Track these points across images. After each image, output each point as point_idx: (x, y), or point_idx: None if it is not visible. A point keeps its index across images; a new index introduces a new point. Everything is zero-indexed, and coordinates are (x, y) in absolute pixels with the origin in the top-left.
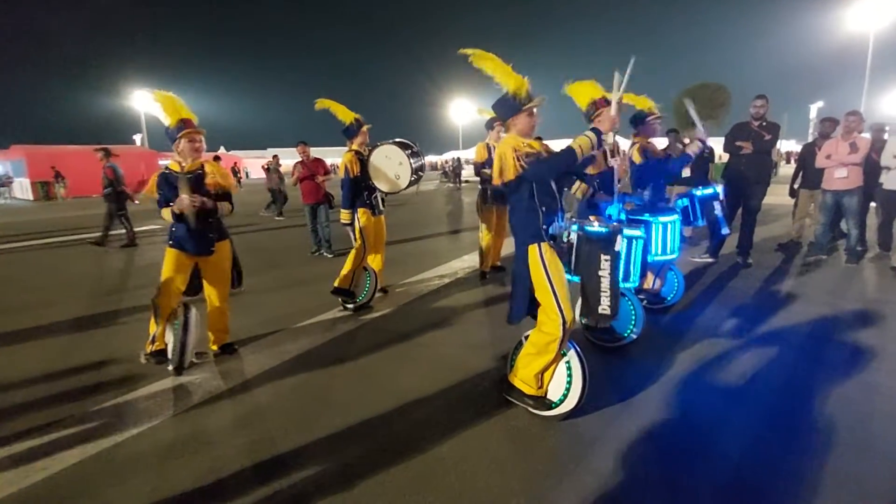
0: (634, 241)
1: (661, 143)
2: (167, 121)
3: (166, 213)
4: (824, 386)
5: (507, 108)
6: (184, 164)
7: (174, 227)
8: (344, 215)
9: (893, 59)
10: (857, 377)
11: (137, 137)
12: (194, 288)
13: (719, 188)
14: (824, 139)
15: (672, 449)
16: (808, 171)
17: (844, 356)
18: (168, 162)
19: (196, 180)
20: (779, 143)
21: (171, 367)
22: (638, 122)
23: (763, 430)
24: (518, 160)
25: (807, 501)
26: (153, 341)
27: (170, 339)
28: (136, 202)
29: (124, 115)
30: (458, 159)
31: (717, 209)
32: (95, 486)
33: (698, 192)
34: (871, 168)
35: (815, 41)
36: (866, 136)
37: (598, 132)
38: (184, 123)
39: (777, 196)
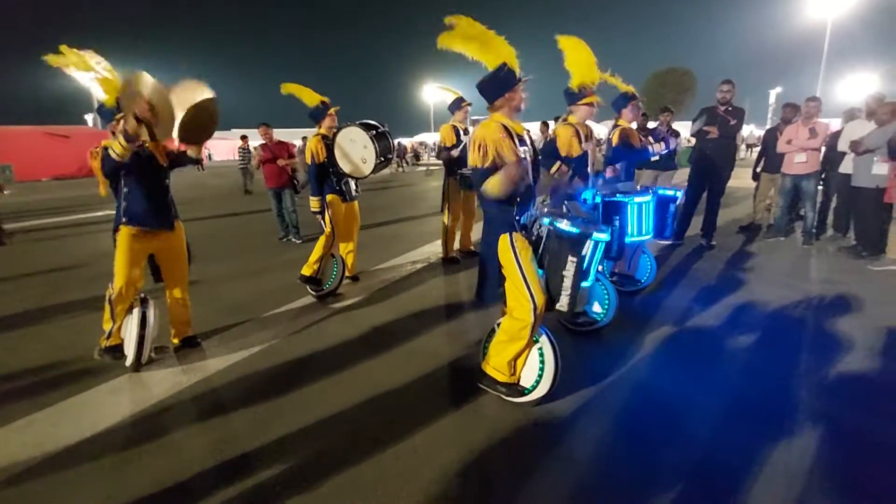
0: (600, 244)
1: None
2: (104, 97)
3: (116, 145)
4: (784, 364)
5: (499, 85)
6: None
7: (126, 200)
8: (313, 203)
9: (849, 46)
10: (815, 355)
11: (89, 117)
12: (158, 276)
13: (680, 193)
14: (786, 124)
15: (643, 431)
16: (770, 156)
17: (803, 335)
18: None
19: (147, 159)
20: (745, 129)
21: (127, 364)
22: (622, 105)
23: (730, 410)
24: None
25: (775, 480)
26: (108, 336)
27: (126, 333)
28: (7, 192)
29: (74, 95)
30: (401, 143)
31: (671, 210)
32: (46, 493)
33: (660, 191)
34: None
35: (776, 28)
36: (825, 121)
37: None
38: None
39: (739, 179)
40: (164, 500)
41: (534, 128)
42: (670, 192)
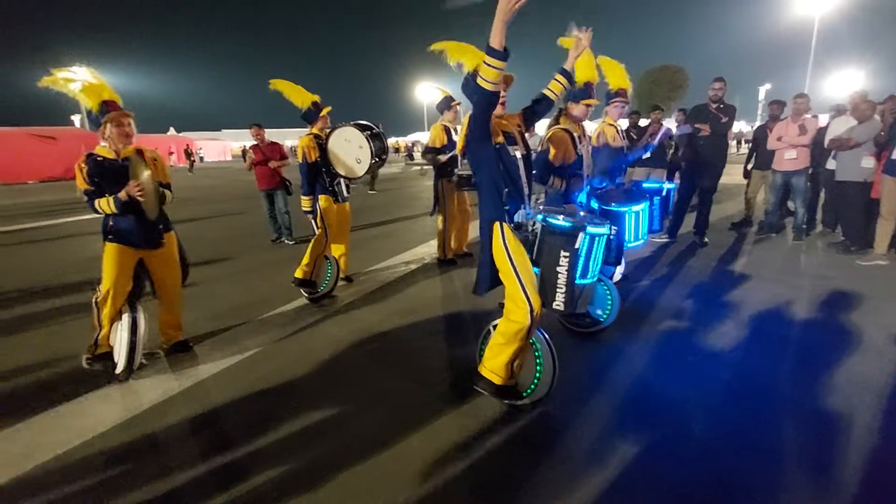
0: (598, 238)
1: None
2: (87, 104)
3: (105, 204)
4: (777, 361)
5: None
6: (117, 151)
7: (112, 219)
8: (304, 202)
9: (836, 42)
10: (805, 352)
11: (76, 118)
12: (140, 287)
13: (671, 185)
14: (774, 121)
15: (641, 432)
16: (761, 153)
17: (794, 331)
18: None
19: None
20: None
21: (118, 372)
22: (607, 100)
23: (724, 407)
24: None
25: (771, 477)
26: (96, 344)
27: (116, 341)
28: None
29: (61, 95)
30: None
31: (656, 203)
32: (35, 502)
33: (644, 185)
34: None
35: (765, 26)
36: (813, 117)
37: (491, 51)
38: (107, 106)
39: (730, 176)
40: None
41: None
42: (654, 186)
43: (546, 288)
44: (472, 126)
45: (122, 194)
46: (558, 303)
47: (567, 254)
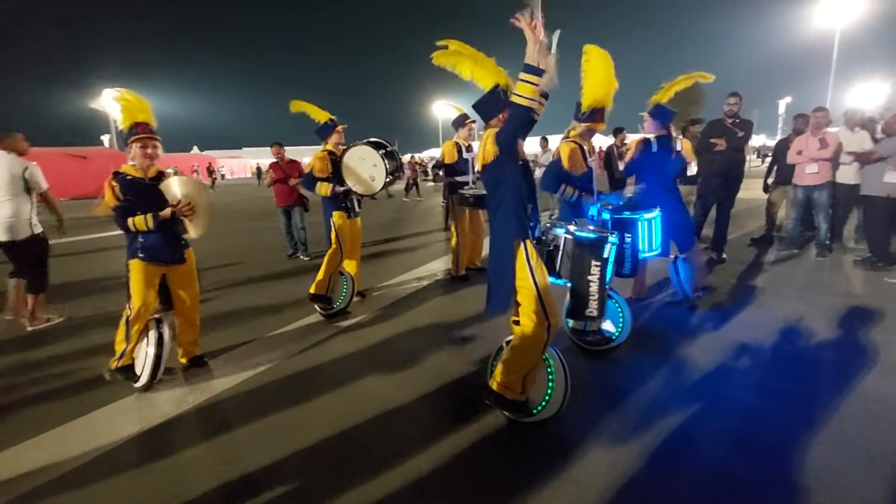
0: (613, 245)
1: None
2: (122, 124)
3: (141, 222)
4: (800, 383)
5: (495, 104)
6: (144, 170)
7: (143, 237)
8: (322, 188)
9: (858, 55)
10: (831, 373)
11: (105, 139)
12: (167, 300)
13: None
14: (798, 135)
15: (652, 454)
16: (781, 167)
17: (818, 351)
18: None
19: (158, 189)
20: (755, 139)
21: (141, 384)
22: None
23: (744, 430)
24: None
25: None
26: (121, 357)
27: (140, 354)
28: None
29: (91, 116)
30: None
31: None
32: None
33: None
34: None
35: (784, 38)
36: (834, 131)
37: (528, 67)
38: (137, 127)
39: (749, 191)
40: None
41: (533, 142)
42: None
43: (579, 298)
44: (503, 143)
45: (167, 212)
46: (591, 310)
47: (598, 263)
